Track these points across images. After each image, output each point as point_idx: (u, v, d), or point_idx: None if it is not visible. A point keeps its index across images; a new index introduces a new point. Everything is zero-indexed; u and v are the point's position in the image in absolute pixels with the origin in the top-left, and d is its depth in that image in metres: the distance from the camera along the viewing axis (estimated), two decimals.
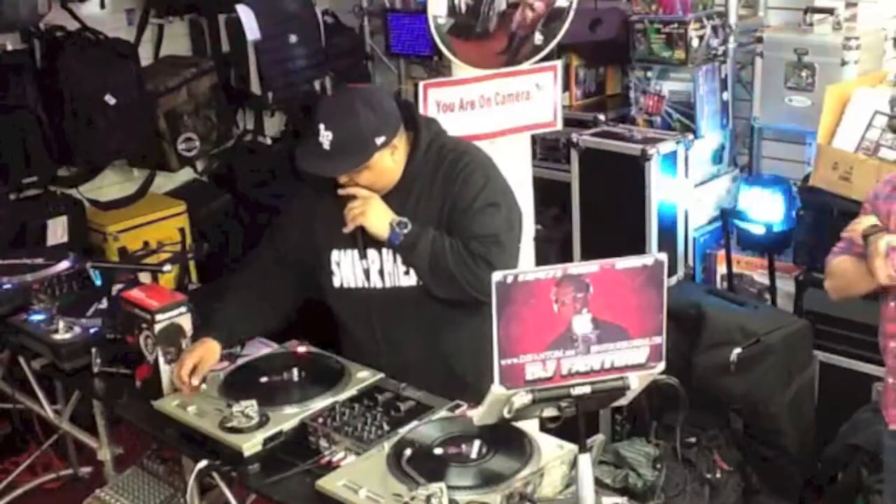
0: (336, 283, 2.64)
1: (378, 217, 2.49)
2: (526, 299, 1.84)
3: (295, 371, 2.60)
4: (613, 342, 1.90)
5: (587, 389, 1.91)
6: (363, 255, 2.57)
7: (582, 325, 1.88)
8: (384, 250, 2.56)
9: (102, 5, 4.57)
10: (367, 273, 2.59)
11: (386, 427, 2.30)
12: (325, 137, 2.41)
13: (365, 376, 2.56)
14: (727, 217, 4.04)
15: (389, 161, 2.51)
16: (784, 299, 3.84)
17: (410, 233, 2.47)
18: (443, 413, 2.35)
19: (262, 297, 2.72)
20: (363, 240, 2.54)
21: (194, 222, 4.81)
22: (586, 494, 1.91)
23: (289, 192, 4.94)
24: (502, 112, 3.45)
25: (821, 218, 3.61)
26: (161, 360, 2.56)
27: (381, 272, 2.59)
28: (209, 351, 2.57)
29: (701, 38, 3.95)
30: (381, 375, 2.56)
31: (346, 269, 2.62)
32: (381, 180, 2.52)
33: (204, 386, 2.53)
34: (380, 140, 2.45)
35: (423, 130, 2.58)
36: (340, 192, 2.51)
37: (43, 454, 3.91)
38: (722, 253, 4.05)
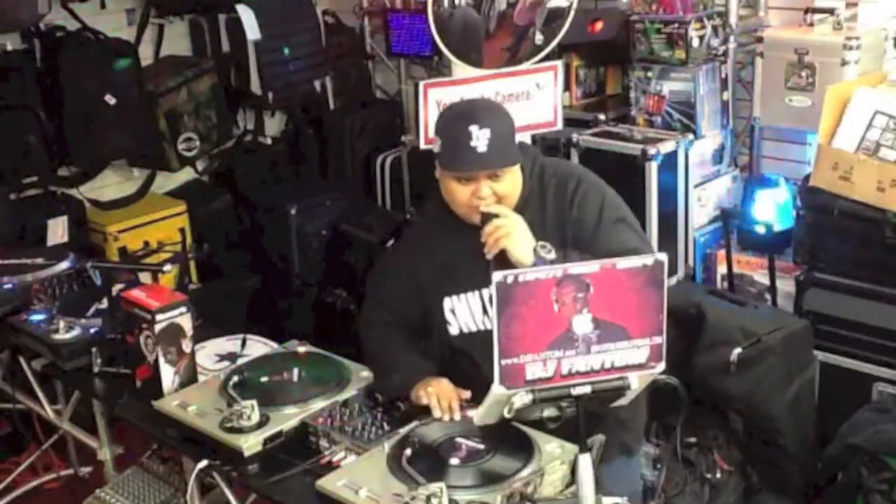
0: (454, 331, 2.46)
1: (523, 238, 2.26)
2: (526, 299, 1.85)
3: (295, 371, 2.59)
4: (613, 342, 1.90)
5: (587, 389, 1.91)
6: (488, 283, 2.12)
7: (582, 325, 1.88)
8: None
9: (102, 5, 4.57)
10: (485, 310, 2.40)
11: (386, 427, 2.30)
12: (482, 136, 2.26)
13: (365, 376, 2.56)
14: (727, 217, 4.04)
15: (518, 174, 2.38)
16: (784, 299, 3.83)
17: (557, 258, 2.20)
18: None
19: (409, 342, 2.57)
20: (495, 267, 2.18)
21: (194, 222, 4.82)
22: (586, 494, 1.92)
23: (292, 196, 5.00)
24: None
25: (821, 218, 3.60)
26: (161, 360, 2.56)
27: None
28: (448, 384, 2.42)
29: (701, 37, 3.95)
30: None
31: (463, 313, 2.44)
32: (514, 193, 2.36)
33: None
34: (517, 143, 2.36)
35: (524, 154, 2.44)
36: (483, 208, 2.30)
37: (43, 454, 3.91)
38: (722, 253, 4.04)
